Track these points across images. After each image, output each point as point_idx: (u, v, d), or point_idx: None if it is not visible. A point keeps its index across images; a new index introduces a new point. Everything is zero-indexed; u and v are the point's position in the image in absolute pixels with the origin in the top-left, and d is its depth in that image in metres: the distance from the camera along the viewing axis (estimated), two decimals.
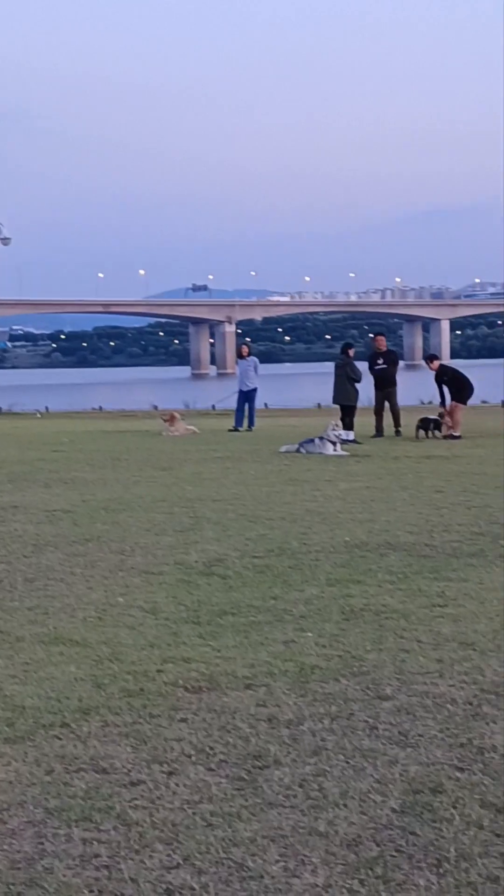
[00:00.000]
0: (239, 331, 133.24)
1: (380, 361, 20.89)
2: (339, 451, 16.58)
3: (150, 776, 3.73)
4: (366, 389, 20.90)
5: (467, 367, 24.37)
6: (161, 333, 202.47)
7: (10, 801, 3.56)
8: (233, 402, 24.17)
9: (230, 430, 22.61)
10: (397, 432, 20.12)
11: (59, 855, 3.16)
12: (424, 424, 19.54)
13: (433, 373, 20.11)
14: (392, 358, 21.44)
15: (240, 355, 24.27)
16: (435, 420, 19.53)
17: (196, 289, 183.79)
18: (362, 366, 20.79)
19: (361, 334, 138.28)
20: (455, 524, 9.03)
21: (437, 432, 19.33)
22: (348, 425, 19.07)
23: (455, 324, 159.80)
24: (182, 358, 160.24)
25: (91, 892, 2.96)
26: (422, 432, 19.39)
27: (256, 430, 22.45)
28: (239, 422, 23.11)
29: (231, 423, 23.46)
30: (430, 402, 25.89)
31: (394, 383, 20.69)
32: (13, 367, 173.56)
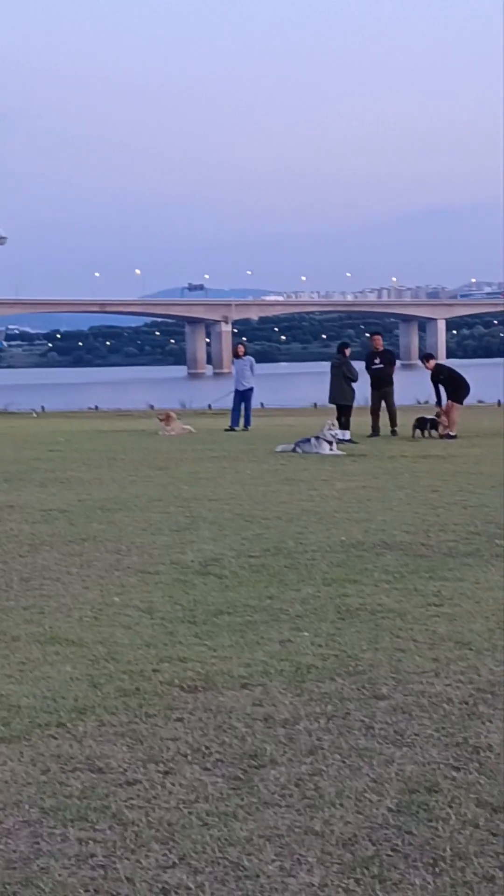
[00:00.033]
0: (235, 330, 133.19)
1: (376, 361, 20.89)
2: (336, 451, 16.58)
3: (146, 776, 3.73)
4: (362, 389, 20.91)
5: (463, 367, 24.38)
6: (157, 333, 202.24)
7: (5, 800, 3.56)
8: (229, 402, 24.18)
9: (226, 430, 22.60)
10: (393, 432, 20.11)
11: (54, 854, 3.16)
12: (421, 424, 19.56)
13: (429, 372, 20.13)
14: (389, 357, 21.42)
15: (236, 355, 24.28)
16: (431, 420, 19.55)
17: (192, 288, 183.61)
18: (359, 365, 20.79)
19: (358, 334, 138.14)
20: (451, 524, 9.03)
21: (433, 432, 19.35)
22: (344, 425, 19.07)
23: (451, 323, 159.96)
24: (178, 357, 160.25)
25: (87, 891, 2.96)
26: (418, 432, 19.42)
27: (253, 430, 22.45)
28: (235, 421, 23.09)
29: (227, 422, 23.47)
30: (427, 402, 25.91)
31: (390, 383, 20.69)
32: (9, 367, 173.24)
